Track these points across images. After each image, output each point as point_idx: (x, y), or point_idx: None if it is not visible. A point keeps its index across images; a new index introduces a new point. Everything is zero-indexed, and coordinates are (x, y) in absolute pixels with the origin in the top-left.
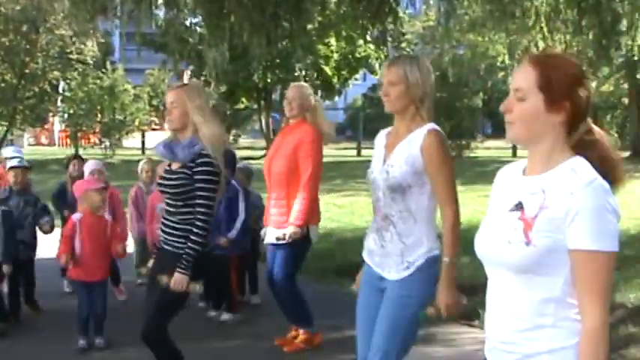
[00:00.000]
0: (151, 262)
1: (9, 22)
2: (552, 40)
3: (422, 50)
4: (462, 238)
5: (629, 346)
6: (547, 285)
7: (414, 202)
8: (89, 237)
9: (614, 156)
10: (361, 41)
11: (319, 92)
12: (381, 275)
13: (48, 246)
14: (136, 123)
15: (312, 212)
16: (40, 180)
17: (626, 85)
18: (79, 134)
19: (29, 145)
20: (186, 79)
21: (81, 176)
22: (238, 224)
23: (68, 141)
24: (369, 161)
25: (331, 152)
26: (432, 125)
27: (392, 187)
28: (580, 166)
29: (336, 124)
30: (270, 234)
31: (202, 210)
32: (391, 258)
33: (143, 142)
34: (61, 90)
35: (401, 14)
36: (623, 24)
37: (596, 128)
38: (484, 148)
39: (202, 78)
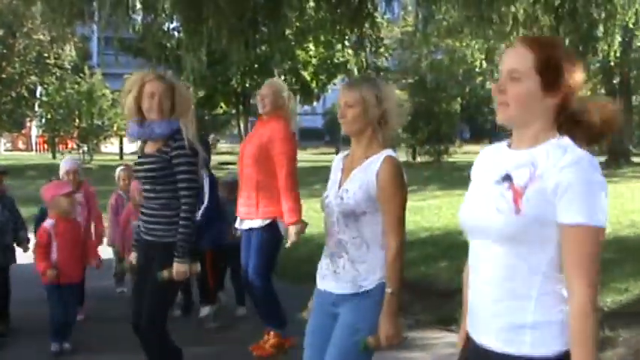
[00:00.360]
0: (133, 255)
1: None
2: None
3: (400, 55)
4: (440, 243)
5: (606, 349)
6: (533, 257)
7: (367, 229)
8: (64, 242)
9: (609, 111)
10: (339, 46)
11: (298, 97)
12: (334, 300)
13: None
14: (114, 128)
15: (277, 204)
16: (17, 185)
17: (603, 91)
18: (56, 139)
19: (6, 150)
20: None
21: None
22: (201, 210)
23: (46, 146)
24: None
25: (310, 157)
26: (388, 152)
27: (345, 213)
28: (569, 143)
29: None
30: (240, 223)
31: (186, 193)
32: (344, 283)
33: (121, 148)
34: (38, 95)
35: (379, 19)
36: (600, 30)
37: (582, 108)
38: (462, 153)
39: (180, 83)
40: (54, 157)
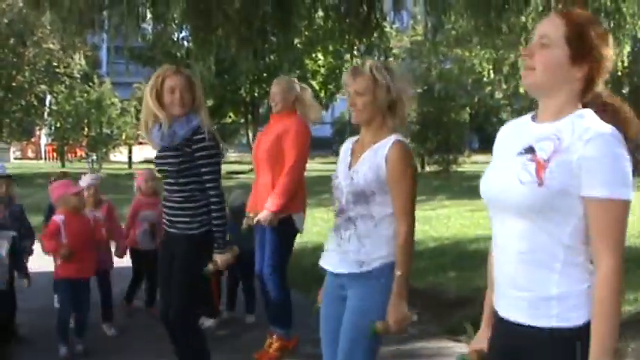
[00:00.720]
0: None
1: None
2: None
3: (409, 65)
4: (449, 253)
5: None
6: (556, 229)
7: (376, 209)
8: (74, 235)
9: (628, 114)
10: (348, 56)
11: None
12: (341, 282)
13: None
14: (123, 137)
15: (296, 200)
16: (26, 194)
17: None
18: (65, 148)
19: (15, 158)
20: None
21: None
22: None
23: (55, 155)
24: None
25: (318, 166)
26: (397, 136)
27: (355, 193)
28: (592, 116)
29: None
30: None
31: (212, 185)
32: (347, 255)
33: (130, 157)
34: (47, 103)
35: (388, 29)
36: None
37: (606, 93)
38: (471, 163)
39: None
40: (63, 165)
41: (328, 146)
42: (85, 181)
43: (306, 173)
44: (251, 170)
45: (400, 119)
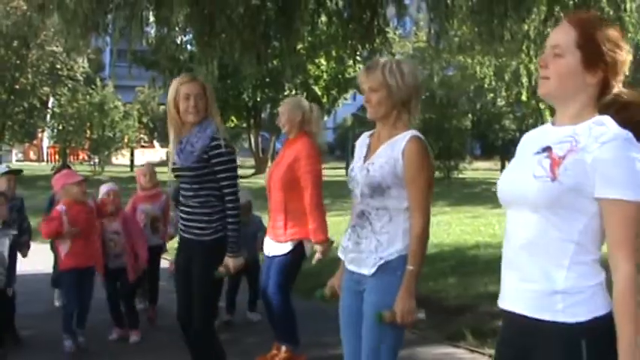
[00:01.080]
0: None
1: (0, 38)
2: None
3: None
4: (449, 259)
5: None
6: (567, 226)
7: (392, 202)
8: (75, 223)
9: None
10: (351, 61)
11: None
12: (358, 278)
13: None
14: (125, 140)
15: (305, 225)
16: (28, 195)
17: None
18: (67, 150)
19: (17, 160)
20: None
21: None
22: None
23: (57, 157)
24: None
25: None
26: (414, 132)
27: (371, 185)
28: (610, 121)
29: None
30: (267, 245)
31: (229, 191)
32: (365, 254)
33: (132, 160)
34: (50, 106)
35: (391, 35)
36: None
37: (626, 90)
38: (472, 170)
39: None
40: (64, 163)
41: (330, 151)
42: (104, 188)
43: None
44: (252, 175)
45: (413, 115)
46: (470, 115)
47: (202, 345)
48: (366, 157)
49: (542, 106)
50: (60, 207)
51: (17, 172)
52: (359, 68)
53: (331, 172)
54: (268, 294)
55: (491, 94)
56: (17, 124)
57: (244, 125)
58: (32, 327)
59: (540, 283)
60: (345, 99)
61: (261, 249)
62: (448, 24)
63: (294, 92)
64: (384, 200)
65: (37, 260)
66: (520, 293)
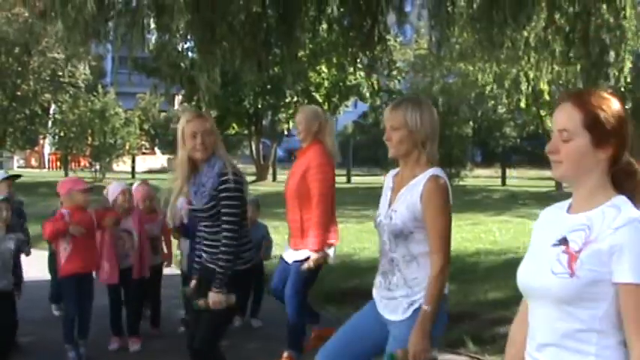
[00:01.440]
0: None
1: (1, 45)
2: (540, 70)
3: (412, 78)
4: (450, 266)
5: None
6: (589, 316)
7: (416, 247)
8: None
9: None
10: (352, 69)
11: None
12: (388, 323)
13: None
14: (127, 147)
15: (329, 232)
16: (29, 202)
17: None
18: (69, 157)
19: (19, 167)
20: (177, 103)
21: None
22: None
23: (58, 164)
24: (359, 188)
25: None
26: (433, 170)
27: (395, 233)
28: (624, 204)
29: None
30: (288, 254)
31: (227, 227)
32: (397, 300)
33: (133, 167)
34: (51, 112)
35: (392, 42)
36: (611, 55)
37: (632, 160)
38: (473, 177)
39: (193, 103)
40: (66, 174)
41: None
42: (115, 189)
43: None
44: (253, 182)
45: (434, 152)
46: (471, 123)
47: None
48: (391, 201)
49: (542, 112)
50: (63, 211)
51: (15, 177)
52: (360, 75)
53: None
54: (285, 296)
55: (492, 102)
56: (18, 131)
57: (245, 132)
58: (32, 333)
59: None
60: (346, 106)
61: (266, 257)
62: (449, 31)
63: (295, 99)
64: (408, 246)
65: (37, 267)
66: None
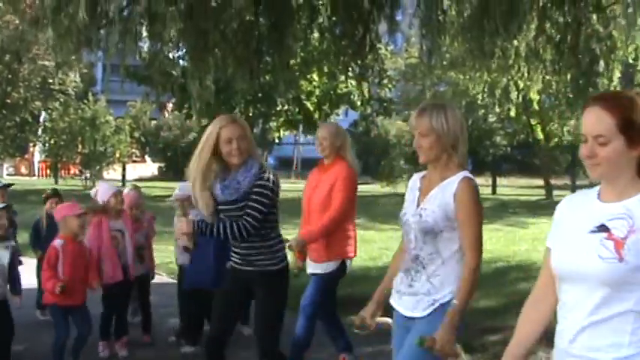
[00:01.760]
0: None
1: None
2: (531, 79)
3: (403, 87)
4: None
5: None
6: (629, 298)
7: (443, 246)
8: (71, 263)
9: None
10: (343, 77)
11: (300, 127)
12: (408, 316)
13: None
14: (117, 155)
15: (350, 245)
16: (18, 210)
17: None
18: (59, 165)
19: (8, 174)
20: (167, 112)
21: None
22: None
23: (48, 171)
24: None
25: None
26: (465, 173)
27: (424, 231)
28: None
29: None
30: (308, 265)
31: (251, 217)
32: (419, 297)
33: (124, 175)
34: (42, 120)
35: (383, 51)
36: (600, 65)
37: None
38: None
39: (184, 111)
40: (56, 182)
41: None
42: (103, 191)
43: (300, 194)
44: None
45: (462, 155)
46: None
47: None
48: (419, 201)
49: (533, 121)
50: (57, 242)
51: (8, 186)
52: (351, 84)
53: None
54: (303, 304)
55: (483, 110)
56: (8, 139)
57: None
58: (24, 341)
59: (605, 352)
60: (337, 115)
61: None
62: (440, 40)
63: (286, 108)
64: (436, 244)
65: (24, 274)
66: None
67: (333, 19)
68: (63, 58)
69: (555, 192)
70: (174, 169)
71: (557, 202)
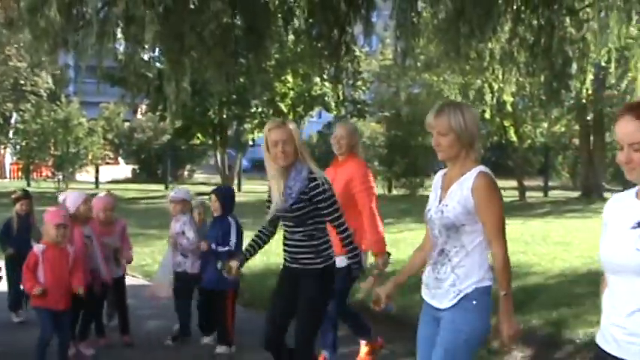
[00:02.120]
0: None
1: None
2: (505, 81)
3: (377, 88)
4: (415, 275)
5: None
6: None
7: (467, 238)
8: (51, 269)
9: None
10: (317, 79)
11: None
12: (436, 308)
13: None
14: (90, 157)
15: (361, 239)
16: None
17: (577, 127)
18: (31, 167)
19: None
20: (139, 113)
21: (27, 215)
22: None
23: (20, 174)
24: None
25: None
26: (481, 167)
27: (447, 226)
28: None
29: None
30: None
31: (337, 222)
32: (445, 289)
33: (97, 177)
34: (13, 122)
35: (357, 53)
36: (573, 67)
37: None
38: None
39: (158, 113)
40: (28, 184)
41: None
42: (72, 200)
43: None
44: None
45: (478, 151)
46: None
47: None
48: (441, 198)
49: (506, 123)
50: (38, 247)
51: None
52: (325, 86)
53: None
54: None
55: None
56: None
57: (210, 142)
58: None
59: None
60: (311, 116)
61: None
62: (414, 42)
63: (260, 109)
64: (459, 237)
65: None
66: (625, 345)
67: (310, 20)
68: (37, 60)
69: (528, 193)
70: (147, 171)
71: (530, 204)
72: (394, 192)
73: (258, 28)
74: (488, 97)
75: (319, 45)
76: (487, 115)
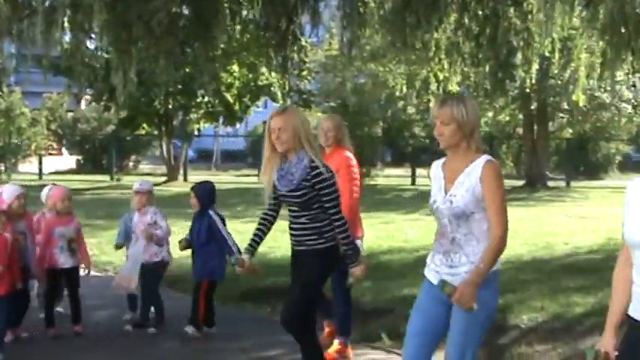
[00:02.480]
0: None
1: None
2: (450, 71)
3: (323, 78)
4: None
5: None
6: None
7: (476, 226)
8: None
9: None
10: (264, 69)
11: (220, 119)
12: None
13: None
14: (33, 147)
15: (357, 227)
16: None
17: (521, 116)
18: None
19: None
20: (83, 103)
21: None
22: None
23: None
24: None
25: (232, 179)
26: (487, 157)
27: (456, 215)
28: None
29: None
30: None
31: (334, 210)
32: (460, 276)
33: (40, 168)
34: None
35: (304, 43)
36: (518, 57)
37: None
38: (384, 177)
39: (102, 103)
40: None
41: (242, 159)
42: (10, 193)
43: (220, 186)
44: (164, 182)
45: (478, 140)
46: (381, 123)
47: (299, 336)
48: (446, 189)
49: None
50: None
51: None
52: (271, 75)
53: (242, 179)
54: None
55: (402, 102)
56: None
57: (156, 132)
58: None
59: None
60: (257, 106)
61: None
62: (360, 32)
63: (206, 99)
64: (469, 225)
65: None
66: None
67: (258, 11)
68: None
69: None
70: (92, 162)
71: None
72: None
73: (206, 17)
74: (433, 86)
75: (267, 35)
76: (432, 105)
